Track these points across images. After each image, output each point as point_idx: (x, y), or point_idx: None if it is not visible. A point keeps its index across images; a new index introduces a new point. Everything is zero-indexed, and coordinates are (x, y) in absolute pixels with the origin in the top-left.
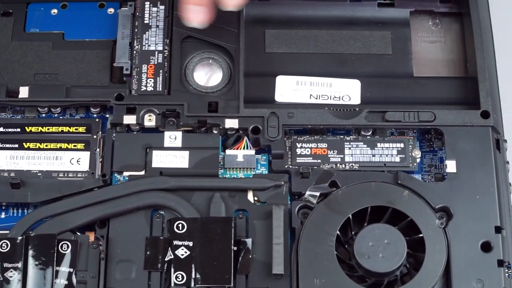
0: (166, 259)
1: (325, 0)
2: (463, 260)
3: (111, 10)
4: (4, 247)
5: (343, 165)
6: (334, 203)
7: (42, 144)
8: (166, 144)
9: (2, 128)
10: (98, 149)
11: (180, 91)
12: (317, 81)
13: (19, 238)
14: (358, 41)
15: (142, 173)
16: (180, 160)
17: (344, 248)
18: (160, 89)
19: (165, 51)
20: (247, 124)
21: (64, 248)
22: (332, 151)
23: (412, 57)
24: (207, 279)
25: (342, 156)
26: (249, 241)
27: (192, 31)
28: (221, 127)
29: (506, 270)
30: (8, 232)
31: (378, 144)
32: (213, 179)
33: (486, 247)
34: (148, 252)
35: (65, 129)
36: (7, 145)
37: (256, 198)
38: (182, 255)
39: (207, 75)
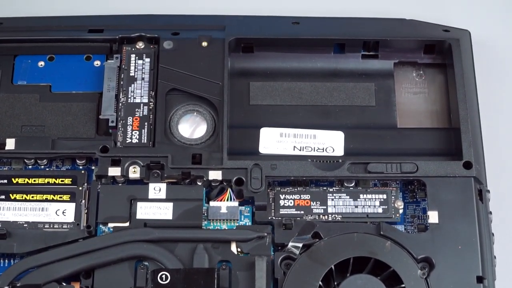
0: None
1: (309, 53)
2: None
3: (97, 63)
4: None
5: (326, 216)
6: (317, 254)
7: (29, 195)
8: (150, 196)
9: None
10: (83, 201)
11: (164, 143)
12: (301, 133)
13: None
14: (342, 93)
15: (127, 224)
16: (164, 211)
17: None
18: (145, 141)
19: (150, 103)
20: (231, 175)
21: None
22: (315, 202)
23: (395, 108)
24: None
25: (325, 207)
26: None
27: (177, 84)
28: (204, 179)
29: None
30: None
31: (361, 195)
32: (196, 230)
33: None
34: None
35: (51, 180)
36: None
37: (239, 249)
38: None
39: (192, 127)
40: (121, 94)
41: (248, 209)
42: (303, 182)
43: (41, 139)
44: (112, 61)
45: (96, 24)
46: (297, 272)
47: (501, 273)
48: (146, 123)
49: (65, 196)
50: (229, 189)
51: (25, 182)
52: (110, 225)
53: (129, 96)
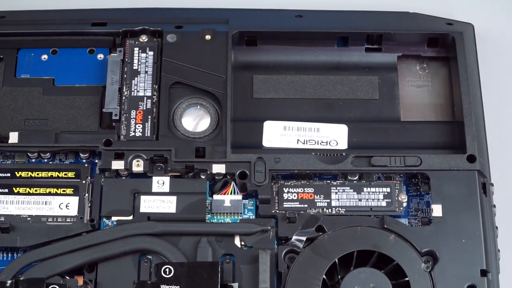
0: None
1: (313, 46)
2: None
3: (100, 56)
4: None
5: (330, 210)
6: (321, 248)
7: (32, 189)
8: (154, 189)
9: None
10: (86, 194)
11: (168, 137)
12: (305, 126)
13: (9, 282)
14: (346, 86)
15: (130, 218)
16: (168, 205)
17: None
18: (149, 134)
19: (153, 96)
20: (234, 169)
21: None
22: (318, 195)
23: (399, 101)
24: None
25: (328, 200)
26: (235, 285)
27: (180, 77)
28: (208, 172)
29: None
30: None
31: (365, 189)
32: (200, 224)
33: None
34: None
35: (55, 174)
36: None
37: (243, 243)
38: None
39: (195, 121)
40: (124, 88)
41: (252, 202)
42: (307, 175)
43: (44, 133)
44: (116, 54)
45: (99, 17)
46: (301, 265)
47: (505, 267)
48: (149, 117)
49: (68, 189)
50: (232, 183)
51: (28, 175)
52: (114, 218)
53: (133, 90)
